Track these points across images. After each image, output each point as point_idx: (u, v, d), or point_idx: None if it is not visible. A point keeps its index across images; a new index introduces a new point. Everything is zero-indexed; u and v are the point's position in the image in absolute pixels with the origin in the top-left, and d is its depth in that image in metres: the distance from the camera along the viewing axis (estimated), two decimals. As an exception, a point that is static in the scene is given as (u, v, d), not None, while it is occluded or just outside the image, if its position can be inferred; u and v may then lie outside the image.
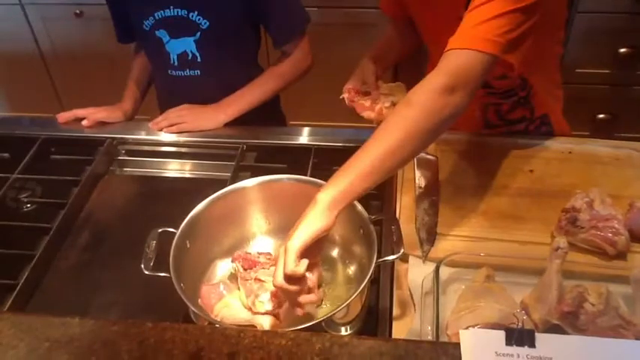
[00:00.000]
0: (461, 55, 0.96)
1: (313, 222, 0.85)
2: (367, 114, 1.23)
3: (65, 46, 2.54)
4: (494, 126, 1.36)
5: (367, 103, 1.23)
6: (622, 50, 2.19)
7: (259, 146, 1.34)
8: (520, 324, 0.89)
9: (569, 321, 0.93)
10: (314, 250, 0.87)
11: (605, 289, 0.96)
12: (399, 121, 0.92)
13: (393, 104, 1.21)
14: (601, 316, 0.93)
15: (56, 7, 2.43)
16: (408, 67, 1.53)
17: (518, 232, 1.11)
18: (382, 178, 0.90)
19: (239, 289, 0.96)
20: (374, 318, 0.97)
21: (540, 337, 0.78)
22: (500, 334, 0.77)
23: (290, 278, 0.83)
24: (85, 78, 2.56)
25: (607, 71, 2.27)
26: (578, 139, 1.34)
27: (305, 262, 0.83)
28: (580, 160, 1.27)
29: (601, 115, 2.39)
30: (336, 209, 0.86)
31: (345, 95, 1.27)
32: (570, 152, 1.29)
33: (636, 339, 0.88)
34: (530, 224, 1.13)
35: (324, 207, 0.85)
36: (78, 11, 2.41)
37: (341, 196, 0.86)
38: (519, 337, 0.76)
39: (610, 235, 1.05)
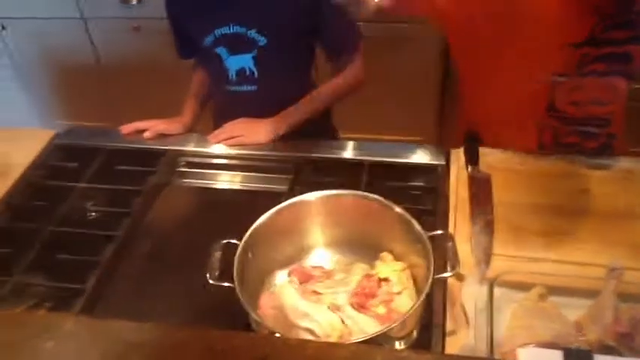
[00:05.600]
0: None
1: None
2: None
3: (123, 59, 2.64)
4: (547, 148, 1.36)
5: None
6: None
7: (314, 160, 1.37)
8: (577, 344, 0.90)
9: (625, 342, 0.93)
10: None
11: (661, 312, 0.95)
12: None
13: None
14: (657, 339, 0.93)
15: (115, 22, 2.53)
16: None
17: (574, 253, 1.11)
18: None
19: (297, 300, 0.99)
20: (427, 333, 0.99)
21: (597, 359, 0.78)
22: (558, 354, 0.78)
23: None
24: (141, 90, 2.66)
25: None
26: (637, 159, 1.32)
27: None
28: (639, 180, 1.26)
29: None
30: None
31: None
32: (629, 172, 1.28)
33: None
34: (586, 245, 1.13)
35: None
36: (136, 25, 2.51)
37: None
38: (577, 357, 0.77)
39: None
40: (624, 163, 1.31)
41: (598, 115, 1.32)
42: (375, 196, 1.05)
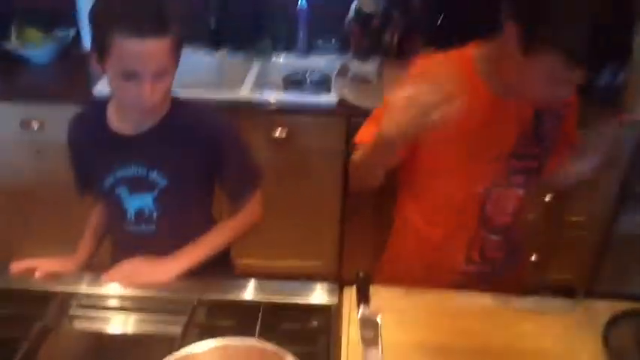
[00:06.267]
0: None
1: None
2: None
3: (19, 184, 2.57)
4: (474, 263, 1.49)
5: None
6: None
7: (209, 302, 1.37)
8: None
9: None
10: None
11: None
12: None
13: None
14: None
15: (15, 146, 2.49)
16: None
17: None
18: None
19: None
20: None
21: None
22: None
23: None
24: (37, 216, 2.58)
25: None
26: (532, 299, 1.39)
27: None
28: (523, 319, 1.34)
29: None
30: None
31: None
32: (507, 310, 1.36)
33: None
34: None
35: None
36: (37, 148, 2.48)
37: None
38: None
39: None
40: (501, 301, 1.41)
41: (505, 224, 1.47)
42: (268, 345, 1.07)
